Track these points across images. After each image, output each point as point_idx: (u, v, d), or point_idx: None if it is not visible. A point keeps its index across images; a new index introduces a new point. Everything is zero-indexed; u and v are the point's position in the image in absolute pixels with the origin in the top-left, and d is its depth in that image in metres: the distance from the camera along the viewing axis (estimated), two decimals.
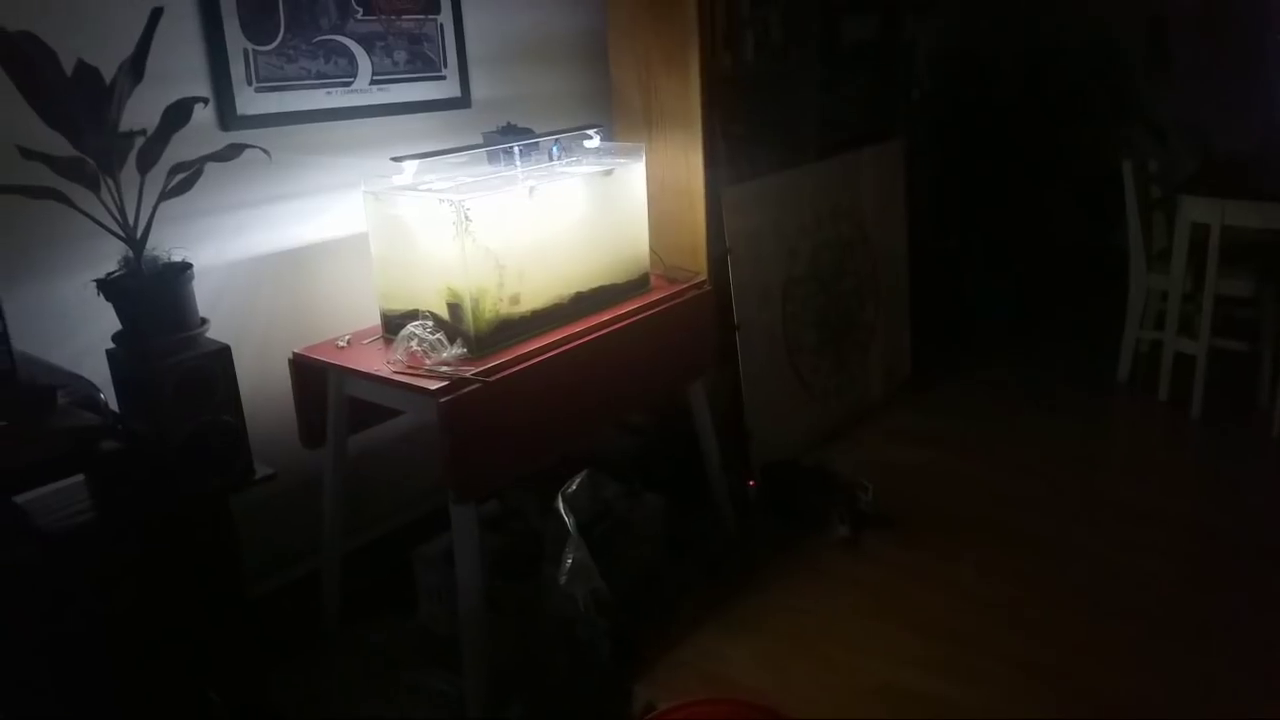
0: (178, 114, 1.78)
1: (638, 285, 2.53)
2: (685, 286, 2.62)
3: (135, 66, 1.68)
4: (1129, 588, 2.53)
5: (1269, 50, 4.61)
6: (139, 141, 1.70)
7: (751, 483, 3.02)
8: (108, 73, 1.66)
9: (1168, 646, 2.29)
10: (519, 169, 2.32)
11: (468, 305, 2.04)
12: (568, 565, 2.09)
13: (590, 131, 2.51)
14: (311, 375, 2.20)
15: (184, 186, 1.76)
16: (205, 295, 2.12)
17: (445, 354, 2.00)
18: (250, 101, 2.19)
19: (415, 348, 2.02)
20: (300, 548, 2.45)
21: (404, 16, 2.47)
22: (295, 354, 2.19)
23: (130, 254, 1.75)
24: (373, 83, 2.42)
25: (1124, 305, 3.81)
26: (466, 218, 1.98)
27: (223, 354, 1.73)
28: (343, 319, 2.39)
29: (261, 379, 2.27)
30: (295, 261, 2.36)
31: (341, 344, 2.21)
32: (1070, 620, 2.41)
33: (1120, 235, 3.76)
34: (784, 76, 3.41)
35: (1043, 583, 2.57)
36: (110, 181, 1.71)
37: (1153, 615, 2.41)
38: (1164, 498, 3.01)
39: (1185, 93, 4.78)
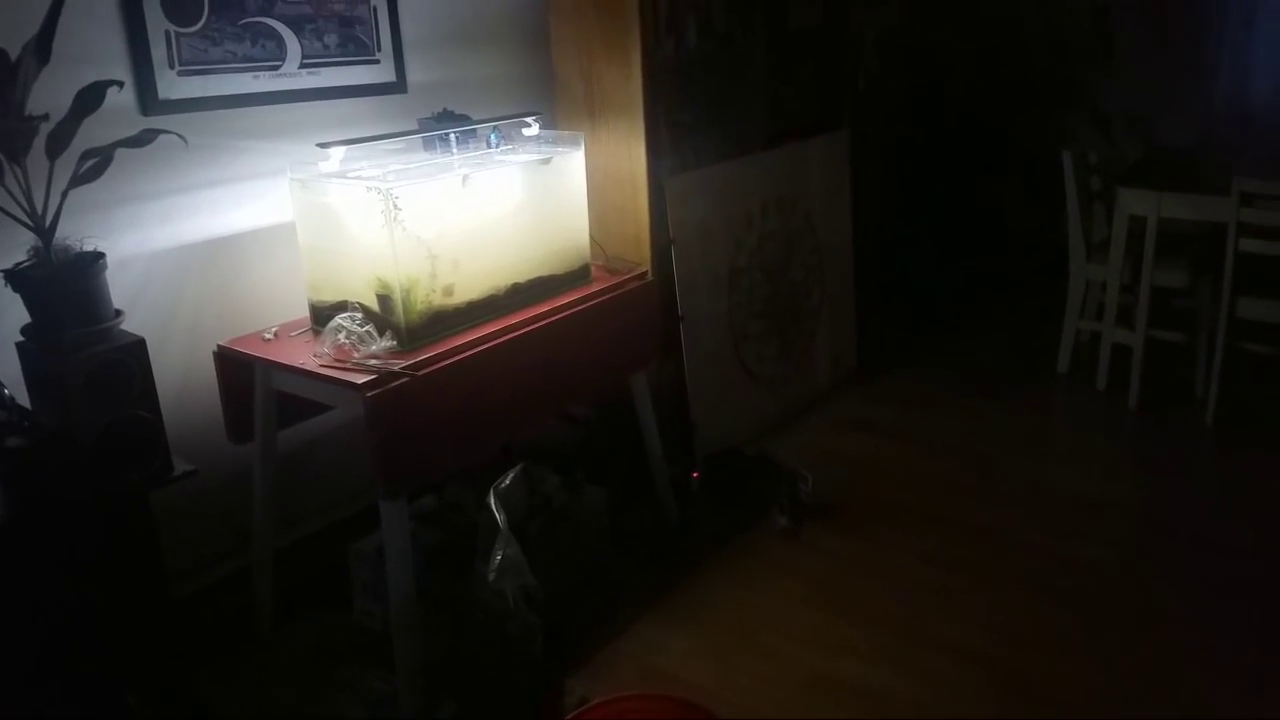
0: (90, 98, 1.72)
1: (578, 276, 2.50)
2: (627, 278, 2.59)
3: (40, 47, 1.61)
4: (1068, 575, 2.56)
5: (1210, 41, 4.68)
6: (45, 126, 1.64)
7: (695, 474, 3.01)
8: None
9: (1105, 635, 2.32)
10: (455, 156, 2.28)
11: (398, 297, 2.00)
12: (497, 561, 2.06)
13: (529, 119, 2.47)
14: (237, 369, 2.14)
15: (94, 173, 1.70)
16: (128, 286, 2.06)
17: (374, 347, 1.96)
18: (173, 85, 2.12)
19: (343, 340, 1.97)
20: (233, 545, 2.39)
21: None
22: (220, 346, 2.13)
23: (39, 243, 1.69)
24: (302, 66, 2.36)
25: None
26: (395, 206, 1.93)
27: (137, 347, 1.68)
28: (271, 310, 2.33)
29: (187, 372, 2.21)
30: (222, 251, 2.29)
31: (268, 336, 2.15)
32: (1009, 609, 2.43)
33: (1066, 225, 3.80)
34: (729, 64, 3.39)
35: (983, 571, 2.59)
36: (17, 168, 1.64)
37: (1090, 603, 2.44)
38: (1102, 486, 3.05)
39: (1129, 83, 4.84)
